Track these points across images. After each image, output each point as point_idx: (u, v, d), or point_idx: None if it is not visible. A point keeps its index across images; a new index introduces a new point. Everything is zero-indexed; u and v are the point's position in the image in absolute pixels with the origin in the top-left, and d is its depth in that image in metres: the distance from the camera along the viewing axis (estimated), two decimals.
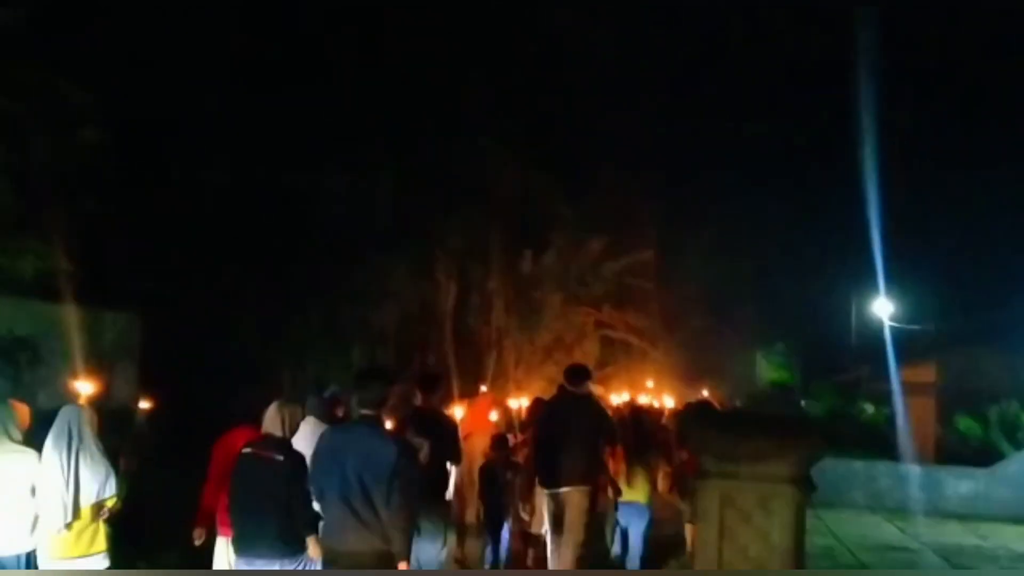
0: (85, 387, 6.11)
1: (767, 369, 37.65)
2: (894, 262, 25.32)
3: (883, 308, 26.47)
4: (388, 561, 5.07)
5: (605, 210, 24.20)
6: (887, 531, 14.06)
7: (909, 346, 24.46)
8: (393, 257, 18.11)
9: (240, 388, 12.70)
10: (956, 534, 13.96)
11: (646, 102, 25.16)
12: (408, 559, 5.17)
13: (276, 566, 5.26)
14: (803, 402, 32.70)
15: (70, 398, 6.24)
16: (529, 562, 8.78)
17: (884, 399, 24.54)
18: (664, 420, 15.76)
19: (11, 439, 5.57)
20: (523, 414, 10.88)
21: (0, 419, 5.60)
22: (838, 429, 24.72)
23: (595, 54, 23.80)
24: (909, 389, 22.65)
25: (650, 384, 25.81)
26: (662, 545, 9.50)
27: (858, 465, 16.53)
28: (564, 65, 22.67)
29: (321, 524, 5.35)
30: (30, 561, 5.56)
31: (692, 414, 8.02)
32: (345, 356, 17.35)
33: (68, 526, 5.56)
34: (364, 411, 5.33)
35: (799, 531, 4.53)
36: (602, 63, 23.94)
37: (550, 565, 8.12)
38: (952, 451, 19.67)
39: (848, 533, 13.16)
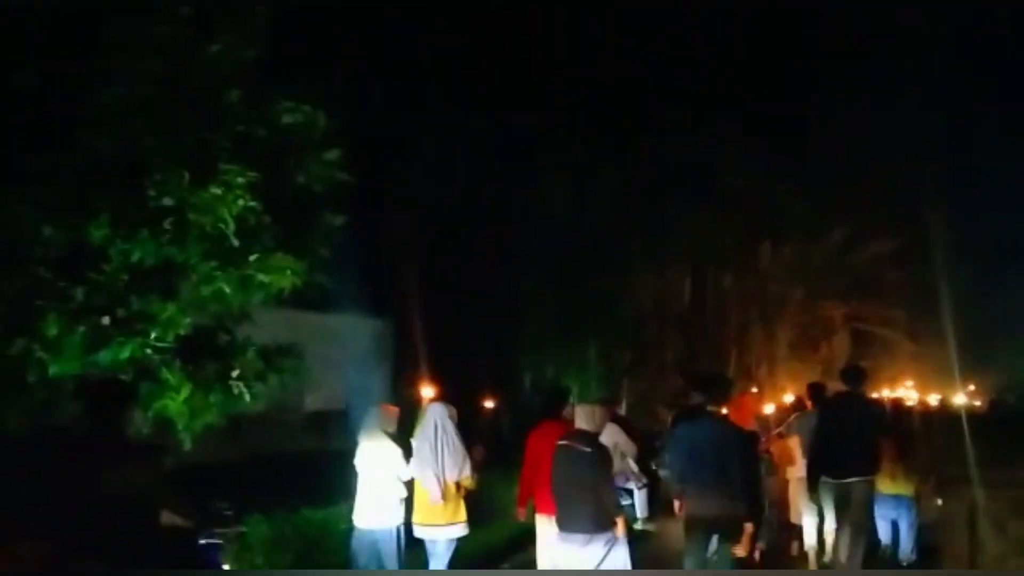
0: (429, 391, 7.62)
1: None
2: None
3: None
4: (740, 523, 6.42)
5: (850, 198, 23.05)
6: None
7: None
8: (628, 255, 18.13)
9: (486, 388, 13.23)
10: None
11: (887, 87, 23.80)
12: (754, 522, 6.60)
13: (592, 540, 6.13)
14: None
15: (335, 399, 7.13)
16: (792, 550, 9.25)
17: None
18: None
19: (385, 435, 6.90)
20: (779, 411, 11.42)
21: (374, 420, 6.98)
22: None
23: (832, 43, 22.85)
24: None
25: (909, 383, 24.23)
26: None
27: None
28: (799, 53, 21.90)
29: (686, 495, 6.64)
30: (400, 533, 6.87)
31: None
32: (583, 354, 17.56)
33: (442, 498, 6.81)
34: (710, 407, 6.71)
35: None
36: (841, 51, 22.93)
37: (813, 552, 8.90)
38: None
39: None
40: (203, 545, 4.68)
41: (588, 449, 6.30)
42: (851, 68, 23.35)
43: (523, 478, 7.29)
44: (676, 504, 6.97)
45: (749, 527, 6.50)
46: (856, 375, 8.77)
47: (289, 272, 6.65)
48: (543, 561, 7.11)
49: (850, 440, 8.13)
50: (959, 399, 21.21)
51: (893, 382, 23.18)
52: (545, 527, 6.96)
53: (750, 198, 20.45)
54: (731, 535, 6.48)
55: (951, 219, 25.55)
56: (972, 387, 24.83)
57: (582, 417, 6.53)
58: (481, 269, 15.47)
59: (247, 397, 6.52)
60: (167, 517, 4.25)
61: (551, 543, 6.66)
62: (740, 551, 6.55)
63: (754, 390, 16.39)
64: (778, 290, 21.72)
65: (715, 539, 6.56)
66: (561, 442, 6.47)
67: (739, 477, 6.44)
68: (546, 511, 6.87)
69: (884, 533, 9.04)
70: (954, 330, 27.88)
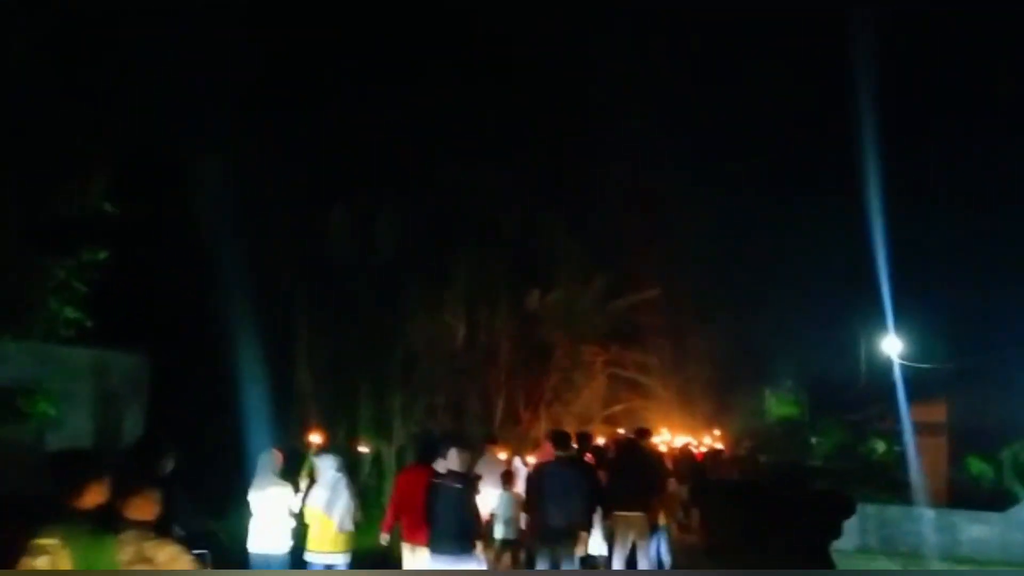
0: (316, 438, 9.09)
1: (776, 405, 37.43)
2: (903, 298, 25.11)
3: (892, 345, 26.19)
4: (576, 532, 9.12)
5: (610, 246, 24.17)
6: None
7: (919, 384, 24.16)
8: (399, 296, 18.04)
9: (251, 428, 12.66)
10: None
11: (649, 135, 25.15)
12: (589, 532, 9.45)
13: (461, 560, 7.61)
14: (812, 439, 32.45)
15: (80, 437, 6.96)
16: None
17: (894, 438, 24.26)
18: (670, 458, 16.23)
19: (273, 475, 8.20)
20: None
21: (266, 462, 8.26)
22: (846, 467, 24.50)
23: (599, 82, 23.89)
24: (920, 429, 22.36)
25: (663, 429, 25.57)
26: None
27: (871, 508, 16.25)
28: (568, 94, 22.72)
29: (542, 514, 9.26)
30: (291, 557, 8.27)
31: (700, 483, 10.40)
32: (352, 397, 17.23)
33: (350, 529, 8.49)
34: (560, 454, 9.60)
35: None
36: (604, 91, 23.99)
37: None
38: (964, 493, 19.41)
39: None
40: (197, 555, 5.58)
41: (459, 485, 7.89)
42: (622, 117, 24.43)
43: (391, 509, 8.94)
44: (526, 522, 9.91)
45: (584, 534, 9.21)
46: (643, 433, 12.10)
47: (43, 307, 6.13)
48: None
49: (636, 482, 10.63)
50: (712, 444, 22.73)
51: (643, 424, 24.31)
52: (411, 552, 8.57)
53: (523, 245, 20.97)
54: (570, 541, 9.11)
55: (708, 269, 27.48)
56: (717, 432, 26.56)
57: (452, 459, 8.06)
58: (252, 306, 14.87)
59: None
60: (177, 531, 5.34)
61: (421, 563, 8.25)
62: (580, 551, 9.19)
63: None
64: (544, 335, 22.33)
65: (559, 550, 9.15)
66: (435, 480, 8.03)
67: (581, 502, 9.18)
68: (412, 539, 8.48)
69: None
70: (702, 375, 29.94)
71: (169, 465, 5.98)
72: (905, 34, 27.49)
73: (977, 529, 15.64)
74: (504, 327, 20.59)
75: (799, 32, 29.24)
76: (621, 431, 20.22)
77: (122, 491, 4.60)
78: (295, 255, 16.58)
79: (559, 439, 9.96)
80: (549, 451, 13.33)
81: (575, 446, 11.29)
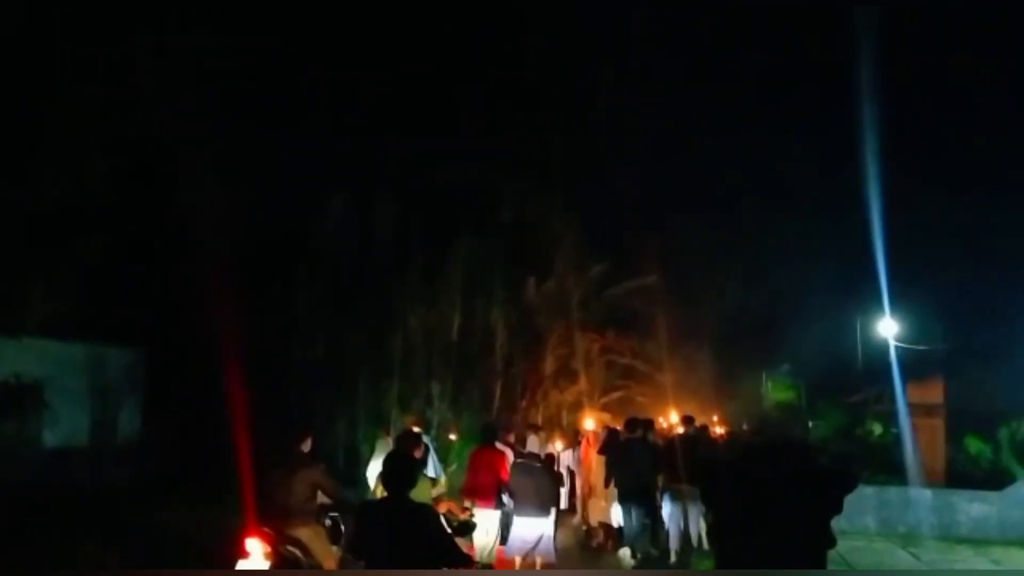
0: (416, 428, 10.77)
1: (773, 390, 37.49)
2: (899, 281, 25.09)
3: (888, 328, 26.19)
4: (649, 490, 11.78)
5: (607, 235, 24.15)
6: (901, 557, 13.91)
7: (916, 366, 24.20)
8: (397, 286, 18.02)
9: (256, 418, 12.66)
10: (969, 559, 13.80)
11: (648, 126, 25.14)
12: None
13: (540, 518, 9.90)
14: (809, 423, 32.51)
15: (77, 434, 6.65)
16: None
17: (892, 420, 24.30)
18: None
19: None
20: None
21: (381, 443, 10.26)
22: (845, 449, 24.55)
23: (600, 75, 23.85)
24: (917, 409, 22.36)
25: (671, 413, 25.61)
26: None
27: (869, 491, 16.26)
28: (568, 87, 22.69)
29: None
30: None
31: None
32: (352, 386, 17.24)
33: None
34: (630, 435, 12.27)
35: None
36: (606, 83, 23.93)
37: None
38: (962, 473, 19.47)
39: (862, 561, 13.00)
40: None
41: (539, 464, 10.45)
42: (616, 104, 24.37)
43: (468, 481, 10.36)
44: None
45: (656, 492, 11.95)
46: (690, 420, 14.11)
47: (39, 299, 6.10)
48: (480, 533, 9.83)
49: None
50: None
51: (641, 410, 24.37)
52: (484, 513, 9.95)
53: (519, 234, 20.95)
54: (644, 497, 11.69)
55: (705, 255, 27.47)
56: (715, 417, 26.62)
57: (530, 443, 11.73)
58: (247, 300, 14.83)
59: None
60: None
61: (491, 521, 9.95)
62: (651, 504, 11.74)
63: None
64: (541, 323, 22.32)
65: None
66: (519, 461, 10.43)
67: (649, 469, 11.83)
68: (485, 505, 10.05)
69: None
70: (699, 361, 29.96)
71: (308, 445, 7.21)
72: (909, 20, 27.43)
73: (975, 508, 15.64)
74: (501, 316, 20.58)
75: (800, 18, 29.22)
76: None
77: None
78: (292, 247, 16.54)
79: (631, 424, 12.63)
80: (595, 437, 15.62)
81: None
